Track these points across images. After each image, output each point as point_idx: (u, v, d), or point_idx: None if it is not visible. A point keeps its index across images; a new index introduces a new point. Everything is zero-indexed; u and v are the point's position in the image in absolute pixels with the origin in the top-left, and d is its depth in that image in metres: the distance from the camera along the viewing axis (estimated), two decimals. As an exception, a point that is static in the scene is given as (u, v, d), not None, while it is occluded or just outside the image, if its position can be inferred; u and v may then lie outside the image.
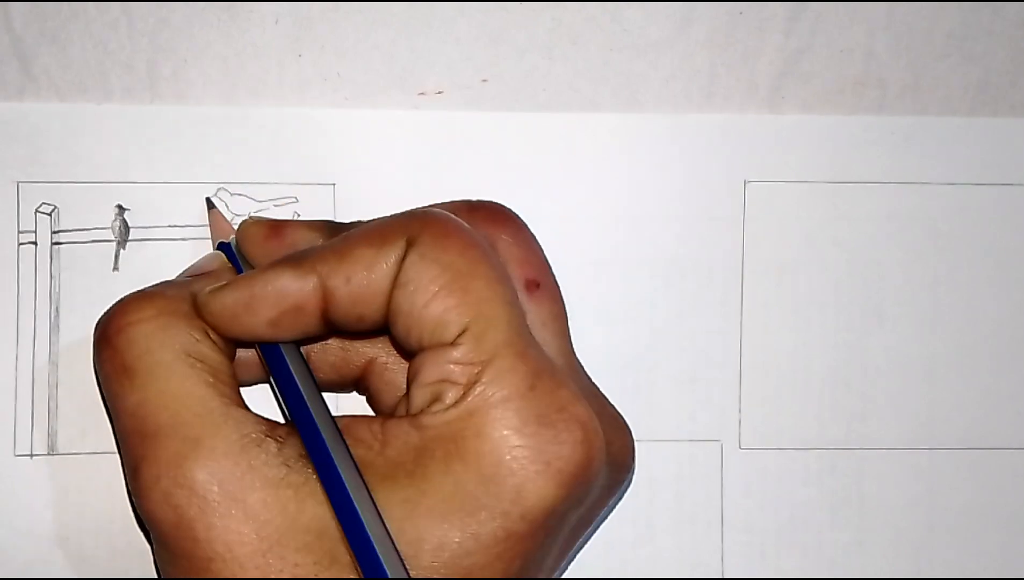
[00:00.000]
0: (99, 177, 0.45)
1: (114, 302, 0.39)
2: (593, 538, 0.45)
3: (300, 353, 0.39)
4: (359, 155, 0.45)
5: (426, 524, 0.36)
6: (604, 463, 0.38)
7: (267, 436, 0.37)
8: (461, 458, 0.36)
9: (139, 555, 0.44)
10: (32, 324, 0.44)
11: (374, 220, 0.40)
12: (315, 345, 0.42)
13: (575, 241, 0.46)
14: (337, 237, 0.39)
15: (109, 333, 0.38)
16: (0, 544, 0.44)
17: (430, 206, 0.41)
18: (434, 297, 0.37)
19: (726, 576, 0.46)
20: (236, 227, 0.42)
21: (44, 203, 0.44)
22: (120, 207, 0.45)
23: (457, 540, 0.36)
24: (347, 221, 0.41)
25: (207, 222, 0.44)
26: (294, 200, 0.45)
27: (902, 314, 0.47)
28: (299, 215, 0.45)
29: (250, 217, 0.42)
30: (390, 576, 0.35)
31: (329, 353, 0.42)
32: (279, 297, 0.38)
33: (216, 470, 0.37)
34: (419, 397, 0.38)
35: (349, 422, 0.38)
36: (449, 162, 0.45)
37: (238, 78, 0.45)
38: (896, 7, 0.46)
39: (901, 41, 0.47)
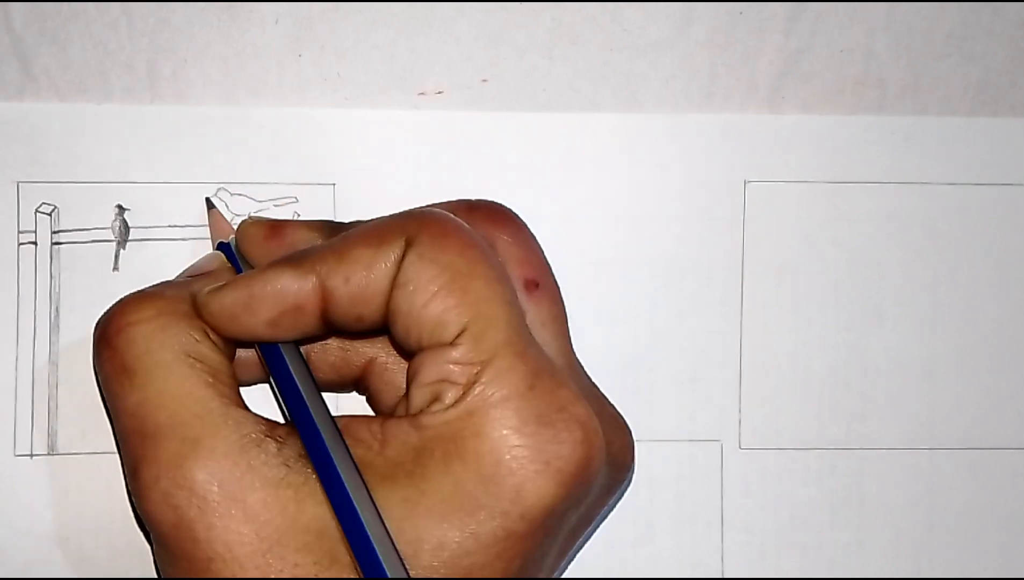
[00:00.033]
0: (99, 177, 0.45)
1: (114, 302, 0.39)
2: (593, 538, 0.45)
3: (300, 353, 0.39)
4: (359, 155, 0.45)
5: (425, 524, 0.36)
6: (604, 463, 0.38)
7: (267, 436, 0.37)
8: (460, 458, 0.36)
9: (139, 555, 0.44)
10: (32, 324, 0.44)
11: (373, 220, 0.40)
12: (315, 345, 0.42)
13: (575, 241, 0.46)
14: (336, 237, 0.39)
15: (109, 333, 0.38)
16: (0, 544, 0.44)
17: (429, 206, 0.41)
18: (433, 297, 0.37)
19: (726, 576, 0.46)
20: (236, 227, 0.42)
21: (44, 203, 0.44)
22: (120, 207, 0.45)
23: (456, 540, 0.36)
24: (347, 221, 0.41)
25: (207, 222, 0.44)
26: (294, 200, 0.45)
27: (902, 314, 0.47)
28: (299, 215, 0.45)
29: (250, 217, 0.42)
30: (389, 576, 0.35)
31: (329, 353, 0.42)
32: (278, 297, 0.38)
33: (216, 470, 0.37)
34: (418, 397, 0.38)
35: (348, 422, 0.38)
36: (449, 162, 0.45)
37: (238, 78, 0.45)
38: (896, 7, 0.46)
39: (901, 41, 0.47)
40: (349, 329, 0.39)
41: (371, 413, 0.43)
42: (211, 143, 0.45)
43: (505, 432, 0.36)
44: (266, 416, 0.39)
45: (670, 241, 0.46)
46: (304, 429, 0.38)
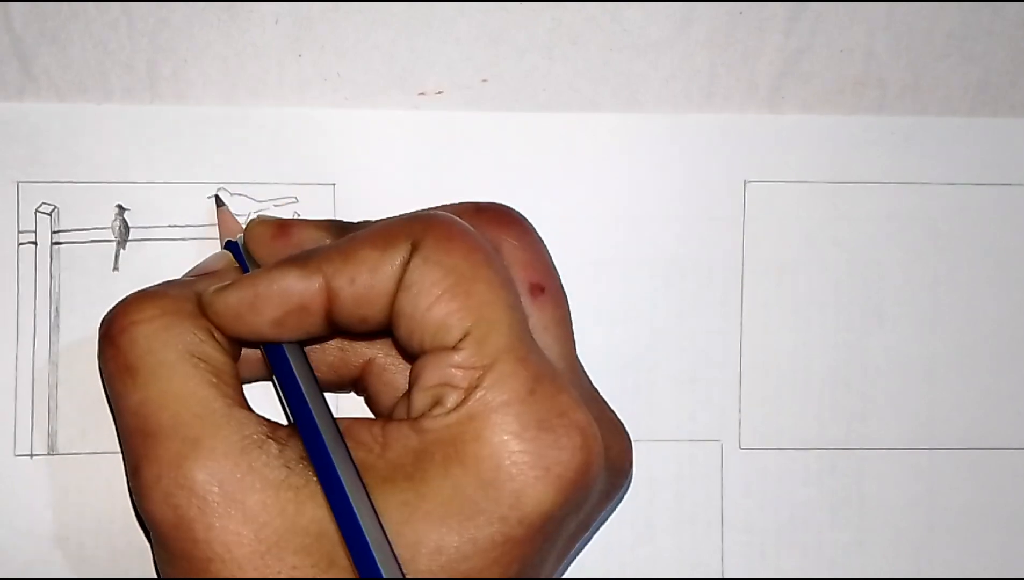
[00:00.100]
0: (99, 177, 0.45)
1: (119, 301, 0.39)
2: (593, 538, 0.45)
3: (303, 354, 0.39)
4: (359, 155, 0.45)
5: (424, 528, 0.36)
6: (603, 469, 0.38)
7: (268, 438, 0.37)
8: (460, 462, 0.36)
9: (139, 555, 0.44)
10: (32, 324, 0.44)
11: (380, 221, 0.40)
12: (314, 345, 0.42)
13: (575, 241, 0.46)
14: (343, 238, 0.39)
15: (113, 332, 0.38)
16: (0, 544, 0.44)
17: (436, 208, 0.41)
18: (437, 301, 0.37)
19: (726, 576, 0.46)
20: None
21: (44, 203, 0.44)
22: (120, 207, 0.45)
23: (455, 544, 0.36)
24: (355, 221, 0.41)
25: (212, 221, 0.44)
26: (294, 200, 0.45)
27: (902, 314, 0.47)
28: (299, 215, 0.45)
29: (258, 216, 0.42)
30: (386, 579, 0.35)
31: (328, 353, 0.42)
32: (284, 297, 0.38)
33: (216, 471, 0.37)
34: (420, 400, 0.38)
35: (350, 424, 0.38)
36: (449, 162, 0.45)
37: (238, 78, 0.45)
38: (896, 7, 0.46)
39: (901, 41, 0.47)
40: (353, 330, 0.39)
41: (369, 413, 0.43)
42: (211, 143, 0.45)
43: (506, 437, 0.36)
44: (268, 417, 0.39)
45: (670, 241, 0.46)
46: (305, 430, 0.38)
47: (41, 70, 0.45)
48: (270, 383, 0.42)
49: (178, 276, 0.42)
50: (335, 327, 0.39)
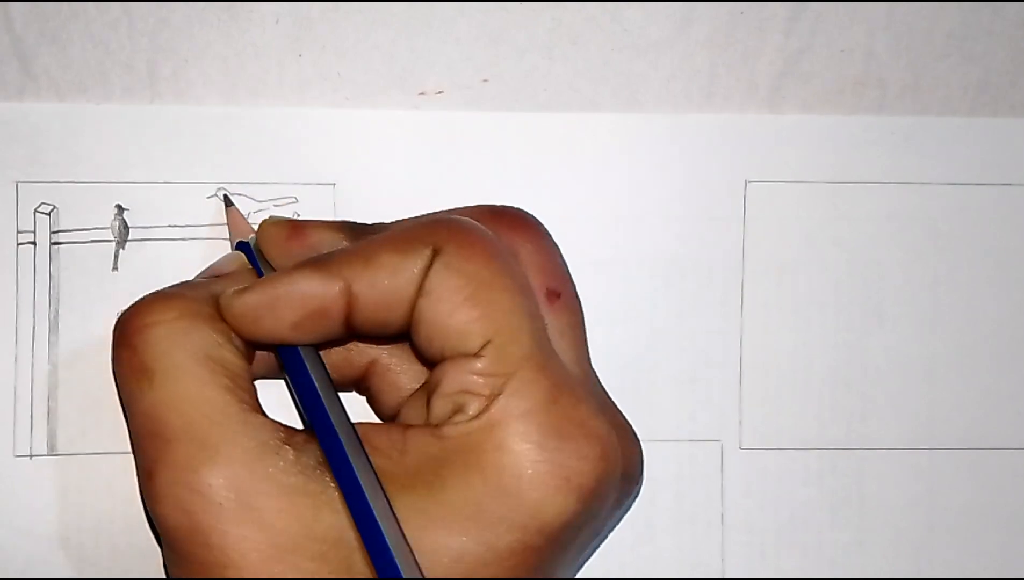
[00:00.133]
0: (99, 177, 0.45)
1: (134, 301, 0.39)
2: (593, 538, 0.45)
3: (319, 357, 0.39)
4: (359, 155, 0.45)
5: (443, 535, 0.36)
6: (619, 478, 0.38)
7: (285, 443, 0.37)
8: (481, 470, 0.36)
9: (139, 555, 0.44)
10: (32, 324, 0.44)
11: (399, 224, 0.40)
12: (328, 348, 0.41)
13: (575, 241, 0.46)
14: (362, 241, 0.39)
15: (128, 333, 0.38)
16: (0, 544, 0.44)
17: (454, 212, 0.41)
18: (458, 307, 0.37)
19: (726, 576, 0.46)
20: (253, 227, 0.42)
21: (43, 203, 0.44)
22: (119, 207, 0.44)
23: (474, 552, 0.36)
24: (368, 222, 0.41)
25: (212, 221, 0.44)
26: (294, 200, 0.45)
27: (902, 314, 0.47)
28: (299, 215, 0.45)
29: (270, 217, 0.42)
30: None
31: (331, 352, 0.42)
32: (304, 300, 0.38)
33: (232, 477, 0.36)
34: (440, 407, 0.38)
35: (367, 429, 0.38)
36: (449, 162, 0.45)
37: (238, 78, 0.45)
38: (896, 7, 0.46)
39: (901, 41, 0.47)
40: (370, 334, 0.39)
41: (370, 412, 0.43)
42: (211, 143, 0.45)
43: (526, 446, 0.36)
44: (278, 420, 0.38)
45: (670, 241, 0.46)
46: (323, 435, 0.37)
47: (41, 70, 0.45)
48: (276, 389, 0.42)
49: (178, 276, 0.42)
50: (353, 331, 0.39)
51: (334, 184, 0.45)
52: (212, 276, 0.41)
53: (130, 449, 0.39)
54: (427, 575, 0.36)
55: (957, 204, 0.47)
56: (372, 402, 0.43)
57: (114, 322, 0.39)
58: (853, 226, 0.47)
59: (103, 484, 0.44)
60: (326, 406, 0.38)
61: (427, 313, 0.37)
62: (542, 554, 0.37)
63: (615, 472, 0.38)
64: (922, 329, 0.47)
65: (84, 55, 0.45)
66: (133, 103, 0.45)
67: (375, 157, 0.45)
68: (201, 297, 0.39)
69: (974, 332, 0.47)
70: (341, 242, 0.40)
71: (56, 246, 0.44)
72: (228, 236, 0.44)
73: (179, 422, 0.37)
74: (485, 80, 0.46)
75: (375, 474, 0.36)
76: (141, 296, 0.39)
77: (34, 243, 0.44)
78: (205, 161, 0.45)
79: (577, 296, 0.41)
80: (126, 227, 0.44)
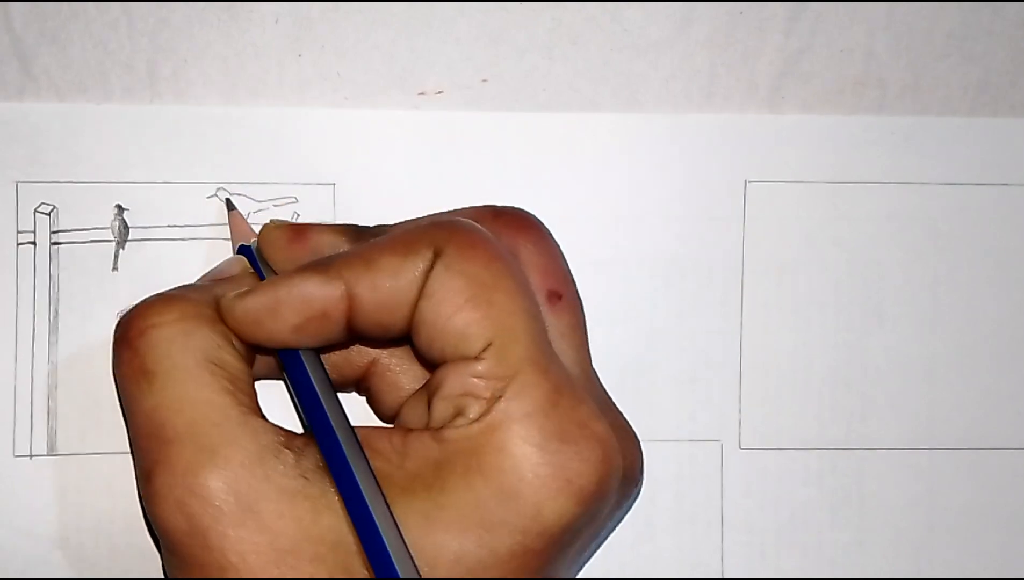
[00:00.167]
0: (99, 177, 0.45)
1: (136, 303, 0.39)
2: (593, 538, 0.45)
3: (320, 360, 0.39)
4: (359, 155, 0.45)
5: (443, 538, 0.36)
6: (620, 480, 0.38)
7: (285, 447, 0.37)
8: (481, 473, 0.36)
9: (139, 555, 0.44)
10: (31, 324, 0.44)
11: (400, 226, 0.40)
12: (329, 351, 0.41)
13: (575, 241, 0.45)
14: (363, 244, 0.39)
15: (130, 334, 0.38)
16: (0, 544, 0.44)
17: (453, 212, 0.41)
18: (459, 309, 0.37)
19: (726, 576, 0.46)
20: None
21: (43, 203, 0.44)
22: (119, 207, 0.44)
23: (474, 555, 0.36)
24: (369, 225, 0.41)
25: (212, 221, 0.44)
26: (294, 200, 0.45)
27: (902, 314, 0.47)
28: (299, 215, 0.45)
29: (271, 221, 0.42)
30: None
31: (331, 353, 0.42)
32: (305, 303, 0.38)
33: (232, 480, 0.36)
34: (441, 409, 0.37)
35: (368, 433, 0.38)
36: (449, 162, 0.45)
37: (238, 78, 0.45)
38: (896, 7, 0.46)
39: (901, 41, 0.47)
40: (371, 337, 0.39)
41: (370, 413, 0.43)
42: (211, 143, 0.45)
43: (528, 449, 0.36)
44: (275, 421, 0.38)
45: (670, 241, 0.46)
46: (323, 438, 0.37)
47: (41, 70, 0.45)
48: (276, 393, 0.42)
49: (178, 276, 0.42)
50: (354, 334, 0.39)
51: (334, 184, 0.45)
52: (214, 279, 0.41)
53: (129, 450, 0.39)
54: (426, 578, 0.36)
55: (957, 204, 0.47)
56: (372, 402, 0.43)
57: (115, 323, 0.39)
58: (853, 226, 0.47)
59: (103, 484, 0.44)
60: (326, 409, 0.38)
61: (428, 315, 0.37)
62: (543, 556, 0.37)
63: (616, 474, 0.38)
64: (922, 329, 0.47)
65: (84, 55, 0.45)
66: (133, 103, 0.45)
67: (375, 157, 0.45)
68: (202, 300, 0.39)
69: (974, 332, 0.47)
70: (342, 245, 0.40)
71: (56, 246, 0.44)
72: (228, 237, 0.44)
73: (179, 424, 0.37)
74: (485, 80, 0.46)
75: (374, 477, 0.36)
76: (142, 298, 0.39)
77: (34, 243, 0.44)
78: (205, 161, 0.45)
79: (578, 297, 0.41)
80: (126, 227, 0.44)
